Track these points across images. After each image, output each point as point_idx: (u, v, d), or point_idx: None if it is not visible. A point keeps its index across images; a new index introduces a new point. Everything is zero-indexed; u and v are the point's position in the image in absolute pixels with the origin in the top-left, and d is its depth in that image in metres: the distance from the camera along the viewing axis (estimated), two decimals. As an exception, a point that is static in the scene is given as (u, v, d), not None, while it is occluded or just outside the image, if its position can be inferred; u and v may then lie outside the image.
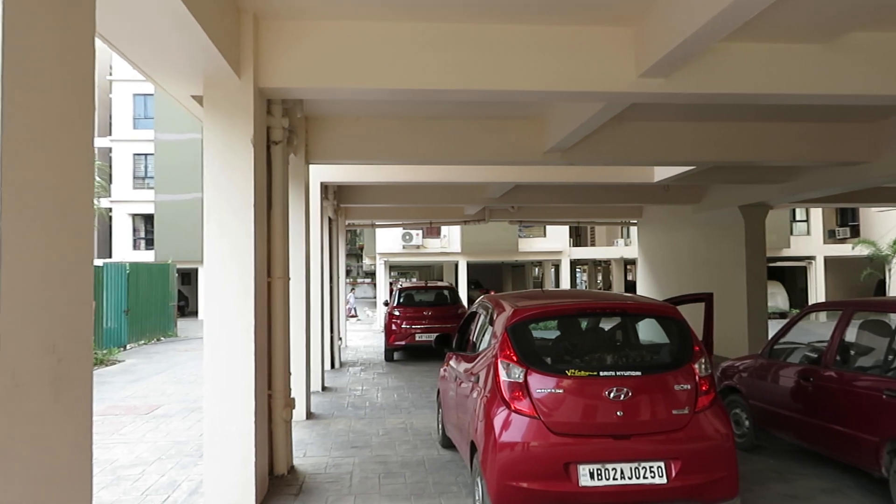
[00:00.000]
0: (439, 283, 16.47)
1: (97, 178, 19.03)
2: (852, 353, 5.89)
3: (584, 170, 10.56)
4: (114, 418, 8.48)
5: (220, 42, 4.42)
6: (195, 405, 9.10)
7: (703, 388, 4.42)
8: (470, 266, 30.05)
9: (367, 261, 35.38)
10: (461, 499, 5.31)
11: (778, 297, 26.22)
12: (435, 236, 28.47)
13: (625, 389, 4.25)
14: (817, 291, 27.45)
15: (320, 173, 10.16)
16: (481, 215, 17.26)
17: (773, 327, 10.16)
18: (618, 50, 5.23)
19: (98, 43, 2.56)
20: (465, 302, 18.59)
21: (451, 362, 6.24)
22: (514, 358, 4.43)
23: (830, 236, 28.25)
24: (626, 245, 32.62)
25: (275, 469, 5.84)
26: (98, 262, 17.24)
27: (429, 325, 13.87)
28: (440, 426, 6.89)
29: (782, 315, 24.66)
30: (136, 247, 33.18)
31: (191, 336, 20.24)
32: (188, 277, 32.57)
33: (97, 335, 15.17)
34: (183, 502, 5.32)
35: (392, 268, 32.46)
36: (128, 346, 17.07)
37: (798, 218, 28.55)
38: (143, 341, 18.24)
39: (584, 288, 41.12)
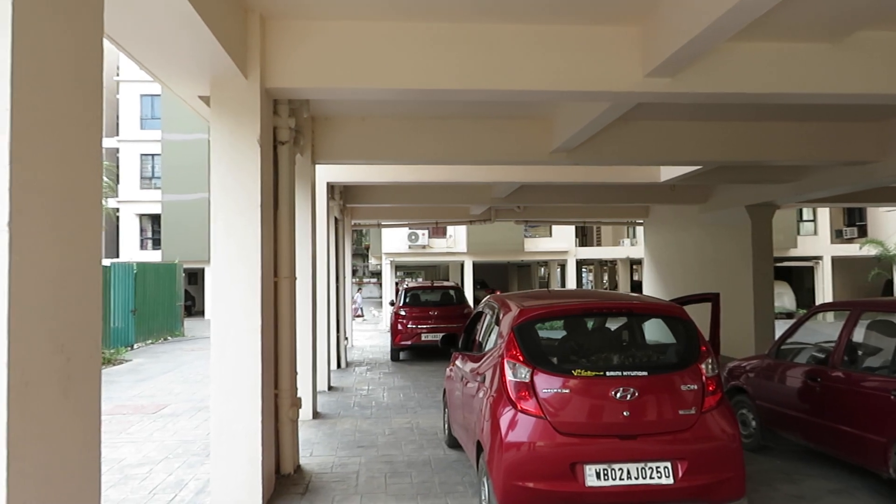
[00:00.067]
0: (445, 283, 16.48)
1: (105, 179, 19.11)
2: (860, 353, 5.86)
3: (590, 170, 10.55)
4: (121, 417, 8.52)
5: (227, 42, 4.43)
6: (202, 404, 9.14)
7: (710, 388, 4.41)
8: (476, 266, 30.06)
9: (372, 260, 35.46)
10: (467, 499, 5.31)
11: (785, 298, 26.12)
12: (441, 236, 28.48)
13: (631, 389, 4.24)
14: (824, 292, 27.31)
15: (326, 173, 10.18)
16: (487, 215, 17.26)
17: (780, 328, 10.11)
18: (624, 49, 5.22)
19: (105, 44, 2.57)
20: (470, 302, 18.58)
21: (457, 362, 6.24)
22: (521, 358, 4.43)
23: (838, 236, 28.09)
24: (632, 245, 32.52)
25: (281, 468, 5.85)
26: (105, 262, 17.31)
27: (435, 324, 13.88)
28: (446, 426, 6.89)
29: (789, 315, 24.56)
30: (143, 247, 33.31)
31: (197, 336, 20.31)
32: (195, 277, 32.68)
33: (104, 335, 15.21)
34: (190, 501, 5.34)
35: (398, 268, 32.48)
36: (135, 346, 17.14)
37: (805, 218, 28.40)
38: (150, 341, 18.31)
39: (590, 288, 41.05)
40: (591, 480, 4.11)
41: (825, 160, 8.99)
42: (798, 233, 27.47)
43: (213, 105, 5.11)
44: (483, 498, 4.65)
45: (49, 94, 1.94)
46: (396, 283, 27.48)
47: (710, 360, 4.52)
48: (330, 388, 10.36)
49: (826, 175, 10.53)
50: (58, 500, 1.98)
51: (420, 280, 39.48)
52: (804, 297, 28.32)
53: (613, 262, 37.60)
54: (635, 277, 34.81)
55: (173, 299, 20.82)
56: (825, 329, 7.52)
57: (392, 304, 16.88)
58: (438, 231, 27.74)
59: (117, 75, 33.08)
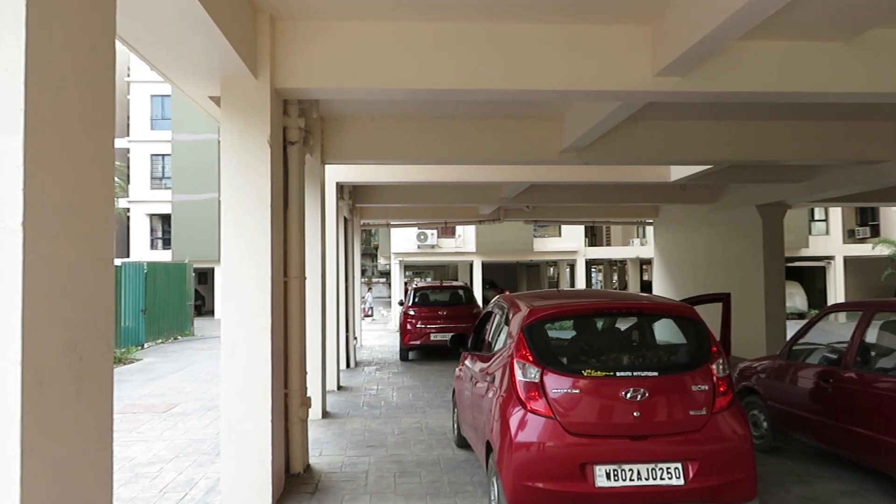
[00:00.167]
0: (454, 283, 16.47)
1: (115, 179, 19.23)
2: (873, 354, 5.81)
3: (599, 169, 10.51)
4: (132, 416, 8.57)
5: (237, 43, 4.45)
6: (212, 404, 9.18)
7: (721, 388, 4.38)
8: (485, 266, 30.03)
9: (382, 260, 35.47)
10: (477, 499, 5.30)
11: (796, 298, 25.95)
12: (450, 236, 28.49)
13: (641, 390, 4.22)
14: (836, 292, 27.11)
15: (336, 173, 10.21)
16: (496, 215, 17.25)
17: (792, 328, 10.05)
18: (634, 49, 5.20)
19: (117, 45, 2.58)
20: (479, 302, 18.57)
21: (467, 362, 6.24)
22: (530, 358, 4.42)
23: (850, 236, 27.88)
24: (641, 245, 32.43)
25: (291, 467, 5.87)
26: (116, 261, 17.40)
27: (444, 324, 13.89)
28: (455, 426, 6.89)
29: (801, 316, 24.41)
30: (153, 246, 33.52)
31: (207, 335, 20.40)
32: (205, 277, 32.83)
33: (115, 334, 15.32)
34: (200, 500, 5.37)
35: (407, 267, 32.51)
36: (145, 345, 17.24)
37: (817, 217, 28.21)
38: (160, 340, 18.42)
39: (599, 288, 40.94)
40: (602, 481, 4.10)
41: (837, 159, 8.92)
42: (810, 232, 27.30)
43: (224, 105, 5.14)
44: (492, 498, 4.64)
45: (62, 95, 1.95)
46: (405, 283, 27.52)
47: (720, 361, 4.50)
48: (339, 387, 10.39)
49: (838, 174, 10.45)
50: (71, 499, 1.99)
51: (429, 280, 39.52)
52: (816, 298, 28.13)
53: (623, 262, 37.49)
54: (645, 277, 34.70)
55: (183, 299, 20.93)
56: (837, 329, 7.46)
57: (401, 303, 16.89)
58: (447, 231, 27.75)
59: (128, 76, 33.30)
